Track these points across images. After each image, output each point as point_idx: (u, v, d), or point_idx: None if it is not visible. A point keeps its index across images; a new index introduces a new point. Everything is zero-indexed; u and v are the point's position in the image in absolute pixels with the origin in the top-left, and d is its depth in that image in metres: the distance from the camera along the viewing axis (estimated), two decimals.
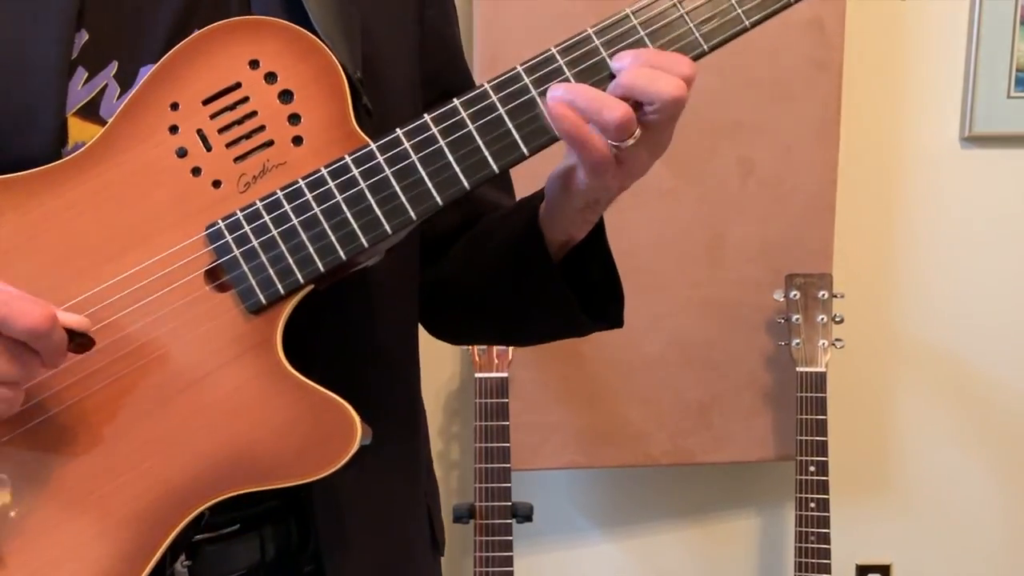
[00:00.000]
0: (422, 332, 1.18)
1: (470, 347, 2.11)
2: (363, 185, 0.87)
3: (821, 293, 2.15)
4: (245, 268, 0.87)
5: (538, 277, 0.99)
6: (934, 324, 2.41)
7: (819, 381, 2.13)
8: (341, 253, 0.87)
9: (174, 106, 0.88)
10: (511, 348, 2.10)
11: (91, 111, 0.91)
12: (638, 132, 0.85)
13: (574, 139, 0.86)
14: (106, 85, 0.92)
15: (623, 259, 1.02)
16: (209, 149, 0.88)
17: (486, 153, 0.87)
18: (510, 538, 2.11)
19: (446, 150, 0.87)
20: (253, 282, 0.87)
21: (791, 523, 2.16)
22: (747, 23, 0.88)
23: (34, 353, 0.80)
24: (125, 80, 0.92)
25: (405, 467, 1.08)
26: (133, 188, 0.88)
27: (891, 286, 2.40)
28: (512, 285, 1.04)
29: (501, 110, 0.87)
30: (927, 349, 2.42)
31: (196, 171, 0.88)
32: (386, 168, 0.87)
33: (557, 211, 0.97)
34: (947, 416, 2.44)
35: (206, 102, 0.88)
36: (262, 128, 0.88)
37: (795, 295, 2.15)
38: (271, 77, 0.88)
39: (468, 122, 0.88)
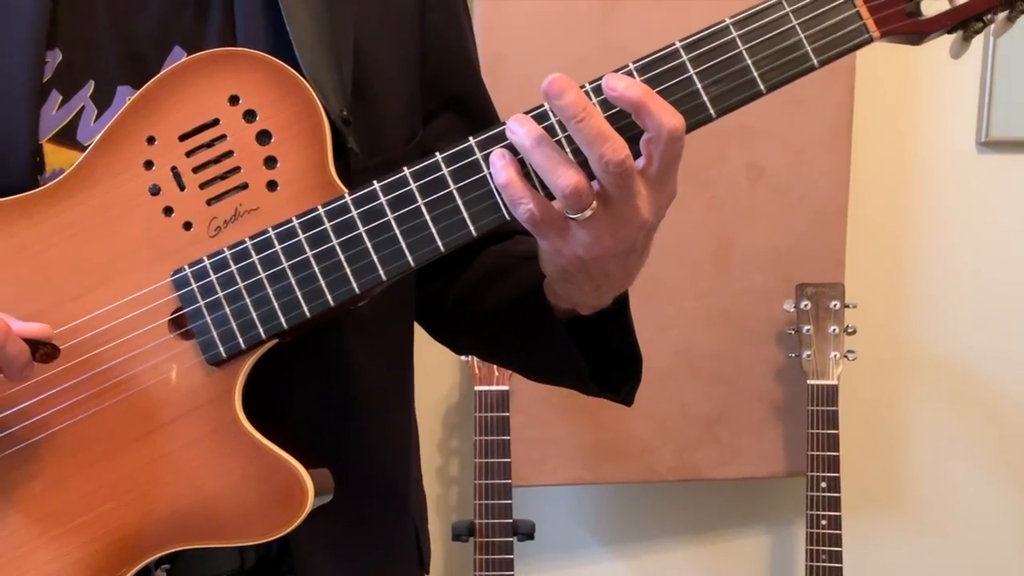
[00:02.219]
0: (419, 342, 1.17)
1: (470, 359, 2.11)
2: (334, 241, 0.87)
3: (833, 303, 2.15)
4: (208, 319, 0.88)
5: (546, 335, 0.98)
6: (950, 335, 2.40)
7: (831, 394, 2.13)
8: (305, 310, 0.87)
9: (150, 140, 0.89)
10: None
11: (68, 136, 0.92)
12: (595, 205, 0.82)
13: (503, 189, 0.84)
14: (83, 107, 0.92)
15: None
16: (182, 188, 0.88)
17: (465, 215, 0.86)
18: (511, 557, 2.12)
19: (424, 209, 0.86)
20: (215, 334, 0.88)
21: (802, 541, 2.15)
22: (763, 87, 0.84)
23: None
24: (102, 100, 0.92)
25: (392, 489, 1.09)
26: (104, 224, 0.89)
27: (905, 296, 2.39)
28: (522, 334, 1.03)
29: (486, 171, 0.85)
30: (942, 361, 2.41)
31: (168, 211, 0.89)
32: (359, 224, 0.86)
33: (549, 278, 0.95)
34: (963, 430, 2.44)
35: (183, 138, 0.88)
36: (237, 170, 0.88)
37: (806, 305, 2.15)
38: (250, 115, 0.88)
39: (449, 180, 0.86)
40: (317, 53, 0.93)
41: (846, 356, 2.15)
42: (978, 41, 2.38)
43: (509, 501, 2.10)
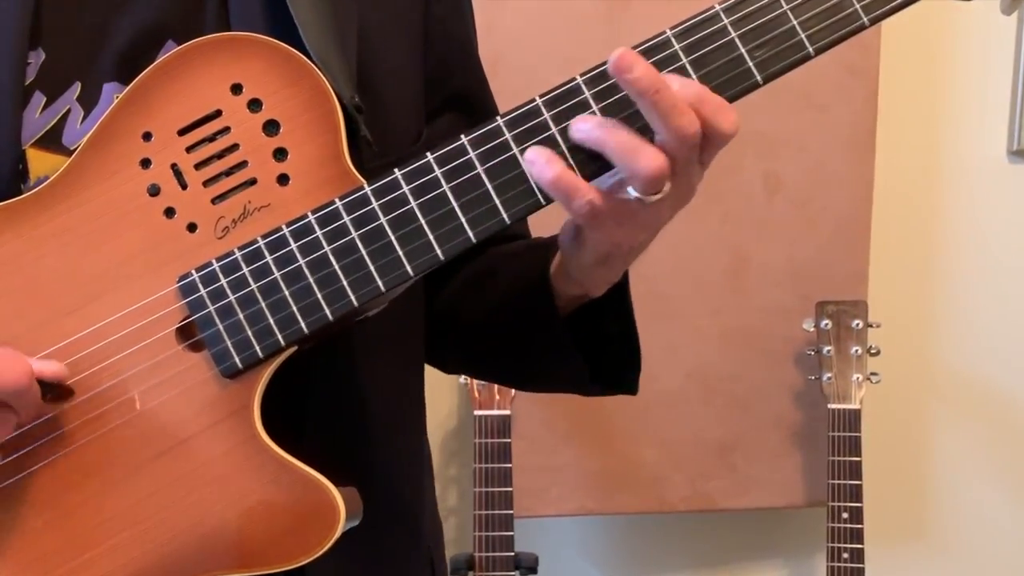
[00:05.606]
0: None
1: (469, 382, 2.11)
2: (354, 235, 0.84)
3: (855, 322, 2.14)
4: (220, 327, 0.85)
5: (545, 334, 0.97)
6: (979, 356, 2.40)
7: (853, 419, 2.13)
8: (328, 312, 0.85)
9: (146, 136, 0.86)
10: None
11: (52, 140, 0.90)
12: (668, 186, 0.81)
13: (553, 186, 0.81)
14: (68, 110, 0.90)
15: (637, 283, 1.00)
16: (184, 187, 0.86)
17: (496, 201, 0.83)
18: None
19: (450, 195, 0.84)
20: (228, 344, 0.85)
21: (822, 575, 2.13)
22: (811, 49, 0.83)
23: (8, 409, 0.80)
24: (89, 101, 0.91)
25: (406, 514, 1.08)
26: (100, 229, 0.87)
27: (932, 314, 2.39)
28: (516, 336, 1.02)
29: (515, 149, 0.83)
30: (970, 383, 2.41)
31: (169, 212, 0.86)
32: (381, 215, 0.84)
33: (570, 264, 0.93)
34: (992, 457, 2.43)
35: (182, 132, 0.86)
36: (244, 164, 0.86)
37: (826, 324, 2.14)
38: (255, 104, 0.86)
39: (477, 163, 0.84)
40: (323, 36, 0.91)
41: (869, 379, 2.14)
42: (1009, 43, 2.38)
43: (511, 533, 2.09)
